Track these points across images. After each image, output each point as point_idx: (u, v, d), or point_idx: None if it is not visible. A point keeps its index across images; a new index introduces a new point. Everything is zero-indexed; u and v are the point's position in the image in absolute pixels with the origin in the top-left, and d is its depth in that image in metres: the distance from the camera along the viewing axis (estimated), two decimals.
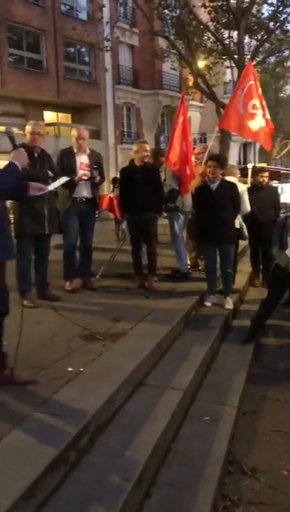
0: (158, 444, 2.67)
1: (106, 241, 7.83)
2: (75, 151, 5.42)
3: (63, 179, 4.25)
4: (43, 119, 24.17)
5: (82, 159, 5.39)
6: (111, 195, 6.19)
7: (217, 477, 2.61)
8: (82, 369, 3.25)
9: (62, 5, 23.50)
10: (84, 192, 5.38)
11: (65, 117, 25.97)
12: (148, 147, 5.64)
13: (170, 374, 3.55)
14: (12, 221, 4.50)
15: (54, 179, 4.93)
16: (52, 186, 3.48)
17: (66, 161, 5.33)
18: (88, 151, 5.47)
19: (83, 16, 24.64)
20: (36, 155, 4.91)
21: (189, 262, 6.52)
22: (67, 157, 5.36)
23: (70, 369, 3.25)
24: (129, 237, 6.12)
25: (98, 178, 5.34)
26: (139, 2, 16.94)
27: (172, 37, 17.07)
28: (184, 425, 3.11)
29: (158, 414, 2.95)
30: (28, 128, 4.90)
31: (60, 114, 25.53)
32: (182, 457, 2.75)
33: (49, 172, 4.91)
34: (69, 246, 5.50)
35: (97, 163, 5.48)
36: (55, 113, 25.28)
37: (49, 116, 24.94)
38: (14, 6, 21.06)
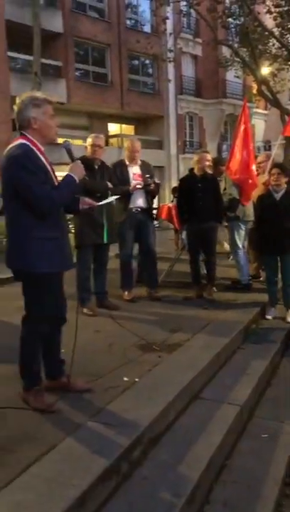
0: (213, 459, 2.60)
1: (166, 250, 7.84)
2: (127, 162, 5.48)
3: (113, 198, 4.32)
4: (107, 131, 24.80)
5: (134, 170, 5.44)
6: (170, 204, 6.18)
7: (275, 499, 2.50)
8: (137, 379, 3.25)
9: (127, 19, 24.07)
10: (139, 202, 5.43)
11: (128, 129, 26.43)
12: (209, 157, 5.60)
13: (227, 388, 3.46)
14: (72, 231, 4.61)
15: (113, 190, 5.01)
16: (102, 203, 3.52)
17: (119, 173, 5.38)
18: (139, 162, 5.52)
19: (147, 28, 25.08)
20: (96, 167, 5.02)
21: (250, 273, 6.37)
22: (120, 168, 5.42)
23: (125, 379, 3.25)
24: (187, 247, 6.09)
25: (152, 185, 5.35)
26: (203, 12, 16.97)
27: (236, 45, 16.96)
28: (240, 442, 3.01)
29: (213, 428, 2.88)
30: (89, 141, 5.03)
31: (123, 126, 26.02)
32: (237, 475, 2.65)
33: (108, 184, 5.00)
34: (125, 256, 5.56)
35: (148, 172, 5.50)
36: (119, 125, 25.80)
37: (113, 128, 25.51)
38: (81, 22, 21.82)
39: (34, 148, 2.71)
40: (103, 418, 2.68)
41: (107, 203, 4.45)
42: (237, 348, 4.32)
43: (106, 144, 24.21)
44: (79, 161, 2.90)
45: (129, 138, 5.85)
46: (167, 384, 3.16)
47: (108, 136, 24.92)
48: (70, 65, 21.69)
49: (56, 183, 2.80)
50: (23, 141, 2.70)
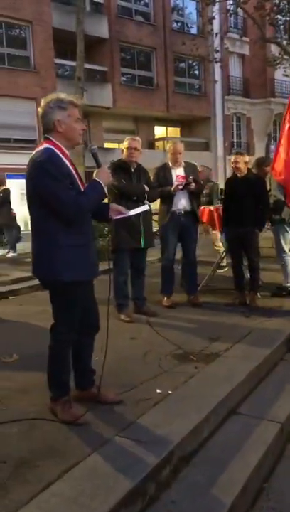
0: (249, 483, 2.41)
1: (209, 254, 7.63)
2: (171, 165, 5.35)
3: (145, 207, 4.18)
4: (153, 134, 24.81)
5: (178, 172, 5.31)
6: (212, 207, 5.99)
7: None
8: (170, 391, 3.10)
9: (173, 22, 24.00)
10: (182, 204, 5.27)
11: (174, 131, 26.32)
12: (240, 158, 5.35)
13: (267, 403, 3.24)
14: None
15: (150, 194, 4.89)
16: (133, 212, 3.38)
17: (162, 176, 5.27)
18: (183, 163, 5.37)
19: (193, 30, 24.91)
20: (133, 170, 4.91)
21: None
22: (163, 171, 5.30)
23: (158, 391, 3.11)
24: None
25: (193, 184, 5.17)
26: (250, 10, 16.60)
27: (284, 42, 16.47)
28: (280, 464, 2.79)
29: (250, 447, 2.68)
30: (125, 143, 4.94)
31: (169, 129, 25.95)
32: (275, 502, 2.44)
33: (145, 187, 4.89)
34: (166, 260, 5.42)
35: (193, 173, 5.35)
36: (165, 127, 25.73)
37: (159, 131, 25.48)
38: (127, 27, 21.96)
39: (59, 152, 2.63)
40: (131, 433, 2.55)
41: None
42: (280, 359, 4.07)
43: (152, 147, 24.38)
44: (105, 167, 2.82)
45: (172, 140, 5.65)
46: (202, 398, 2.99)
47: (154, 140, 24.94)
48: (115, 69, 21.87)
49: (82, 188, 2.71)
50: (48, 145, 2.63)
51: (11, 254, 10.74)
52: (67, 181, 2.57)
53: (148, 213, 4.96)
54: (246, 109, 26.80)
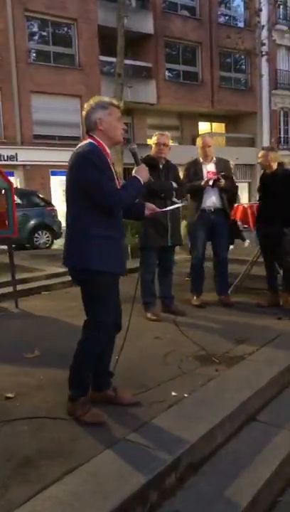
0: (260, 496, 2.29)
1: (245, 252, 7.43)
2: (201, 160, 5.22)
3: (178, 205, 4.11)
4: (197, 130, 24.54)
5: (209, 168, 5.16)
6: (245, 205, 5.81)
7: None
8: (186, 395, 3.00)
9: (220, 16, 23.60)
10: (212, 201, 5.14)
11: (219, 127, 25.95)
12: (270, 154, 5.11)
13: (288, 412, 3.09)
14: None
15: (178, 191, 4.80)
16: (166, 209, 3.49)
17: (193, 171, 5.15)
18: (215, 159, 5.21)
19: (240, 23, 24.41)
20: (161, 166, 4.83)
21: None
22: (194, 167, 5.19)
23: (173, 393, 3.02)
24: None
25: (222, 181, 5.01)
26: None
27: None
28: None
29: (265, 457, 2.55)
30: (154, 139, 4.85)
31: (214, 124, 25.61)
32: None
33: (173, 183, 4.79)
34: (196, 258, 5.30)
35: (225, 169, 5.19)
36: (209, 123, 25.40)
37: (203, 126, 25.18)
38: (172, 22, 21.78)
39: (101, 149, 2.69)
40: (140, 437, 2.48)
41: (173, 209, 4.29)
42: None
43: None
44: (144, 165, 2.88)
45: (201, 135, 5.51)
46: (218, 402, 2.88)
47: (198, 135, 24.65)
48: (160, 65, 21.77)
49: (118, 187, 2.75)
50: (91, 140, 2.71)
51: None
52: (109, 173, 2.65)
53: (175, 210, 4.86)
54: None
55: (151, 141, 4.92)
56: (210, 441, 2.58)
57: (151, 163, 4.81)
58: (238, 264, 6.78)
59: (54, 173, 18.73)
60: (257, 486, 2.31)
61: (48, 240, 13.11)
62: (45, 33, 19.67)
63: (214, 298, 5.53)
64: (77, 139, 19.38)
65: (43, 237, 13.08)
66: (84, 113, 2.78)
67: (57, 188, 18.07)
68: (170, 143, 4.93)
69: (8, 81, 18.09)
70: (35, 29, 19.57)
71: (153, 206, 3.06)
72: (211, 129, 25.34)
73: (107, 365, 2.93)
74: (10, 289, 5.73)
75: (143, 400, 2.93)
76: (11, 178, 8.61)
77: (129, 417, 2.73)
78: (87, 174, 2.60)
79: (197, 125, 24.64)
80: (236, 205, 5.93)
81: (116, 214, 2.73)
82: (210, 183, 5.02)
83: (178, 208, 4.85)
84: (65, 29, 20.07)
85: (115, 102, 2.83)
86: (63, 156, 18.61)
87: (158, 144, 4.82)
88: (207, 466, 2.47)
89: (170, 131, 24.90)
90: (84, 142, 2.72)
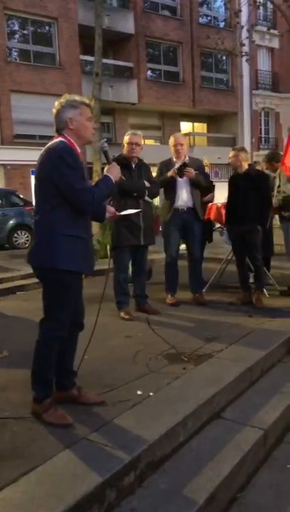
0: (218, 492, 2.30)
1: (219, 251, 7.48)
2: (174, 159, 5.22)
3: (136, 210, 4.10)
4: (179, 130, 24.54)
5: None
6: (219, 204, 5.83)
7: None
8: (151, 393, 3.00)
9: (202, 16, 23.68)
10: (184, 200, 5.15)
11: (201, 127, 26.05)
12: (240, 154, 5.17)
13: (255, 408, 3.10)
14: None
15: (150, 190, 4.80)
16: (123, 213, 3.54)
17: (165, 171, 5.16)
18: (187, 158, 5.22)
19: (222, 24, 24.53)
20: (134, 165, 4.82)
21: None
22: (166, 166, 5.19)
23: (139, 392, 3.02)
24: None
25: (190, 169, 4.99)
26: (279, 2, 16.15)
27: None
28: (260, 472, 2.66)
29: (226, 455, 2.56)
30: (126, 138, 4.85)
31: (195, 124, 25.70)
32: None
33: (146, 183, 4.79)
34: (169, 257, 5.32)
35: (198, 168, 5.20)
36: (191, 123, 25.47)
37: (185, 126, 25.24)
38: (153, 21, 21.80)
39: (72, 148, 2.68)
40: (100, 436, 2.47)
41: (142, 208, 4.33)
42: (278, 361, 3.92)
43: None
44: (115, 163, 2.90)
45: (174, 134, 5.52)
46: (182, 400, 2.88)
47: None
48: (141, 65, 21.78)
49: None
50: (62, 139, 2.69)
51: None
52: (81, 171, 2.65)
53: (148, 210, 4.86)
54: (275, 104, 26.22)
55: (123, 141, 4.91)
56: (172, 440, 2.58)
57: (124, 162, 4.81)
58: (214, 263, 6.82)
59: (34, 173, 18.59)
60: (215, 483, 2.32)
61: (28, 240, 13.01)
62: (25, 32, 19.52)
63: (188, 297, 5.55)
64: None
65: (22, 237, 12.99)
66: (54, 111, 2.76)
67: None
68: (143, 142, 4.94)
69: None
70: (15, 28, 19.40)
71: (113, 210, 3.06)
72: (193, 128, 25.42)
73: (70, 364, 2.92)
74: None
75: (108, 399, 2.92)
76: None
77: (91, 417, 2.71)
78: (59, 171, 2.59)
79: (179, 125, 24.66)
80: (210, 204, 5.95)
81: (88, 212, 2.74)
82: (175, 169, 5.00)
83: (150, 205, 4.86)
84: (46, 28, 19.93)
85: (87, 101, 2.81)
86: None
87: (130, 144, 4.81)
88: (168, 464, 2.47)
89: (151, 130, 25.00)
90: (56, 140, 2.70)
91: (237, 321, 4.69)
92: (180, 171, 4.98)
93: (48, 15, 19.19)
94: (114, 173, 2.86)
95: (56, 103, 2.78)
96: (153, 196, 4.94)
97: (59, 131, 2.75)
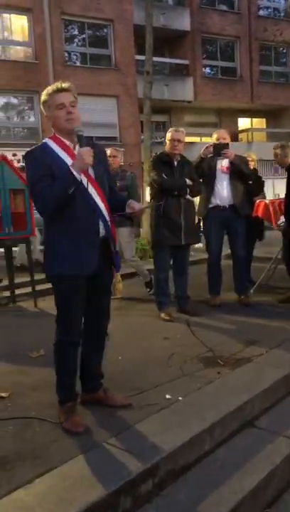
0: (241, 506, 2.17)
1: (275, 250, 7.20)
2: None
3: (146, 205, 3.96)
4: (236, 127, 24.13)
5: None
6: (267, 201, 5.60)
7: None
8: (180, 398, 2.91)
9: (262, 9, 23.07)
10: (223, 197, 4.99)
11: (259, 122, 25.38)
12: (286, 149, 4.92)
13: None
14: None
15: (192, 187, 4.69)
16: (143, 207, 3.09)
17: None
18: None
19: (280, 14, 23.77)
20: (176, 163, 4.72)
21: None
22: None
23: (168, 396, 2.93)
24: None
25: (229, 151, 4.84)
26: None
27: None
28: None
29: (255, 467, 2.42)
30: (168, 135, 4.76)
31: (254, 120, 25.06)
32: None
33: (187, 180, 4.67)
34: (211, 257, 5.16)
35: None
36: (249, 119, 24.89)
37: (243, 122, 24.71)
38: (209, 17, 21.50)
39: (55, 144, 2.58)
40: (121, 441, 2.41)
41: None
42: None
43: (236, 139, 23.77)
44: (86, 148, 2.46)
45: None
46: (211, 407, 2.76)
47: (238, 132, 24.25)
48: (197, 62, 21.55)
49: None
50: (46, 140, 2.65)
51: None
52: (40, 172, 2.47)
53: (189, 208, 4.75)
54: None
55: (166, 138, 4.82)
56: (196, 448, 2.47)
57: (165, 160, 4.74)
58: (264, 263, 6.58)
59: None
60: (239, 496, 2.19)
61: None
62: (81, 35, 19.89)
63: (234, 297, 5.38)
64: (114, 139, 19.52)
65: None
66: None
67: None
68: (185, 139, 4.80)
69: (46, 84, 18.36)
70: (72, 32, 19.81)
71: (134, 205, 2.75)
72: (251, 124, 24.81)
73: (96, 367, 2.87)
74: (29, 289, 5.80)
75: (135, 402, 2.85)
76: None
77: (115, 420, 2.66)
78: (26, 177, 2.63)
79: (237, 121, 24.20)
80: (258, 201, 5.72)
81: (53, 215, 2.52)
82: (211, 146, 4.84)
83: (191, 202, 4.73)
84: (102, 30, 20.20)
85: (56, 86, 2.54)
86: None
87: (172, 140, 4.71)
88: (190, 473, 2.37)
89: (208, 128, 24.71)
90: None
91: (282, 324, 4.48)
92: (217, 149, 4.77)
93: (104, 17, 19.42)
94: (78, 160, 2.46)
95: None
96: (195, 194, 4.81)
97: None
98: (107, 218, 2.62)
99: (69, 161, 2.52)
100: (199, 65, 21.63)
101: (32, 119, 18.88)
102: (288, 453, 2.56)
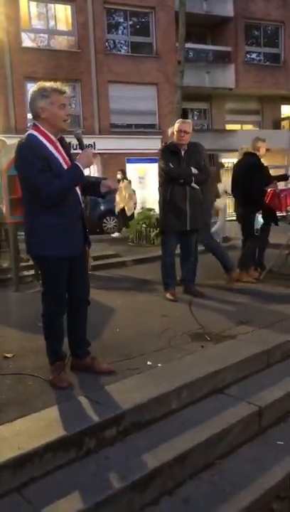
0: (190, 454, 2.50)
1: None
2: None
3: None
4: (279, 114, 23.74)
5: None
6: (277, 190, 5.76)
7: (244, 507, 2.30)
8: (159, 365, 3.25)
9: None
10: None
11: None
12: None
13: (261, 388, 3.20)
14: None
15: (197, 176, 4.93)
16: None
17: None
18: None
19: None
20: (183, 153, 4.99)
21: None
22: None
23: (149, 363, 3.28)
24: None
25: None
26: None
27: None
28: (247, 446, 2.79)
29: (210, 425, 2.74)
30: (175, 126, 5.01)
31: None
32: (219, 477, 2.50)
33: (192, 169, 4.93)
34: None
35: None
36: None
37: (286, 110, 24.26)
38: (253, 2, 21.18)
39: (42, 137, 2.82)
40: (97, 395, 2.79)
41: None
42: None
43: (278, 127, 23.33)
44: (88, 150, 2.93)
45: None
46: (184, 373, 3.09)
47: (280, 119, 23.88)
48: (239, 49, 21.34)
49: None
50: (32, 131, 2.85)
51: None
52: (40, 165, 2.73)
53: (195, 195, 5.01)
54: None
55: (173, 129, 5.09)
56: (163, 405, 2.81)
57: (173, 150, 5.02)
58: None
59: (130, 161, 19.25)
60: (189, 446, 2.53)
61: (116, 225, 13.66)
62: (123, 23, 20.13)
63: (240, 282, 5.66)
64: (153, 126, 19.78)
65: (110, 223, 13.66)
66: (29, 99, 2.86)
67: (133, 175, 18.60)
68: (192, 130, 5.04)
69: (88, 72, 18.84)
70: (114, 20, 20.08)
71: (109, 183, 3.10)
72: None
73: (81, 336, 3.21)
74: None
75: (119, 367, 3.21)
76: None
77: (96, 380, 3.02)
78: (20, 168, 2.79)
79: (280, 108, 23.79)
80: (269, 189, 5.90)
81: (56, 203, 2.77)
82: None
83: (195, 189, 4.98)
84: (143, 18, 20.36)
85: (59, 87, 2.80)
86: (139, 144, 18.94)
87: (179, 131, 4.97)
88: (154, 426, 2.71)
89: (250, 115, 24.31)
90: (25, 135, 2.83)
91: (280, 308, 4.70)
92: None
93: (146, 5, 19.57)
94: (83, 160, 2.82)
95: (30, 90, 2.86)
96: (200, 183, 5.07)
97: (33, 119, 2.86)
98: (82, 201, 2.99)
99: (56, 154, 2.85)
100: (241, 52, 21.41)
101: (74, 107, 19.39)
102: (245, 416, 2.85)
